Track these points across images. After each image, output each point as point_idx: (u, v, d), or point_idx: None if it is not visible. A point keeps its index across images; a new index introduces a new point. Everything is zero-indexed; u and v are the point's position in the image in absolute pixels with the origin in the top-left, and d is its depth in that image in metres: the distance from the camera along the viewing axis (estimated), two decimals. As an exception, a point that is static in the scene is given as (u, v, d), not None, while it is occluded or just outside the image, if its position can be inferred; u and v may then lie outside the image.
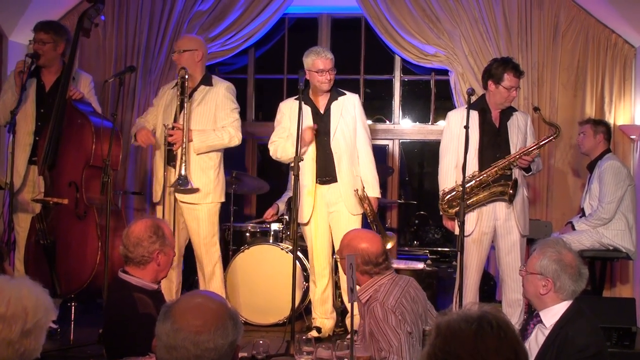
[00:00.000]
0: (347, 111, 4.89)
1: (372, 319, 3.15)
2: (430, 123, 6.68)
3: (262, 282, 5.22)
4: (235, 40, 6.36)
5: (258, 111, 6.89)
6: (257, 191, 6.25)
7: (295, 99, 4.89)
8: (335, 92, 4.94)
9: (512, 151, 4.65)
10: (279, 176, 6.63)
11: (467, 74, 6.06)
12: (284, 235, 5.49)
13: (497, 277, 5.91)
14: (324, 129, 4.86)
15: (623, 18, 5.72)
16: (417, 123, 6.77)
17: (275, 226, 5.55)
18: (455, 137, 4.68)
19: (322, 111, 4.91)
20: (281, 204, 5.94)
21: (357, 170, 4.89)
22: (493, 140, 4.70)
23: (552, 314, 2.87)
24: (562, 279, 2.85)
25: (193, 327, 1.80)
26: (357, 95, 5.04)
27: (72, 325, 4.56)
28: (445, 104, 6.70)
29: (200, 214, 4.82)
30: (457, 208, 4.63)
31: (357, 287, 3.26)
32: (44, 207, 4.72)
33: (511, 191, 4.55)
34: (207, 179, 4.81)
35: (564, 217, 5.85)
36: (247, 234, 5.61)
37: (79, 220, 4.68)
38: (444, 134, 4.88)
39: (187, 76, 4.73)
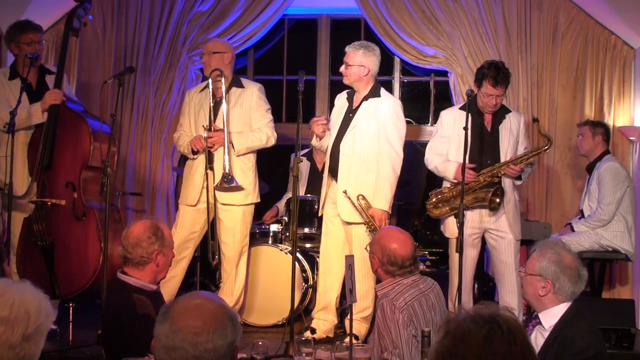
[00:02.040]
0: (374, 114, 4.65)
1: (380, 315, 3.15)
2: (429, 124, 6.68)
3: (261, 283, 5.21)
4: (234, 42, 6.35)
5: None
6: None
7: (347, 92, 4.88)
8: (372, 92, 4.73)
9: (502, 157, 4.66)
10: (278, 177, 6.62)
11: (466, 75, 6.06)
12: (283, 236, 5.49)
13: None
14: (345, 127, 4.73)
15: (622, 20, 5.72)
16: (417, 124, 6.76)
17: (274, 227, 5.55)
18: (446, 136, 4.69)
19: (353, 108, 4.77)
20: (280, 206, 5.94)
21: (370, 177, 4.62)
22: (484, 145, 4.70)
23: (551, 316, 2.87)
24: (561, 281, 2.85)
25: (192, 328, 1.80)
26: (391, 99, 4.77)
27: (71, 326, 4.56)
28: (444, 105, 6.68)
29: (237, 215, 4.86)
30: (442, 209, 4.67)
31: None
32: (37, 208, 4.71)
33: (497, 200, 4.56)
34: (247, 180, 4.86)
35: (563, 218, 5.85)
36: (246, 235, 5.60)
37: (78, 221, 4.68)
38: (434, 131, 4.89)
39: (222, 78, 4.76)
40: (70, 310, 4.59)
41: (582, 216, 5.36)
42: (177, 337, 1.80)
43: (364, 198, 4.58)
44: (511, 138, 4.72)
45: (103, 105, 6.18)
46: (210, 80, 4.81)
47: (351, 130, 4.68)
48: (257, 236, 5.61)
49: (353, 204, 4.58)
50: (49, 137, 4.75)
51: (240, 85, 4.93)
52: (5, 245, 4.74)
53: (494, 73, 4.57)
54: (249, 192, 4.87)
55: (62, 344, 4.47)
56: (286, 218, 5.42)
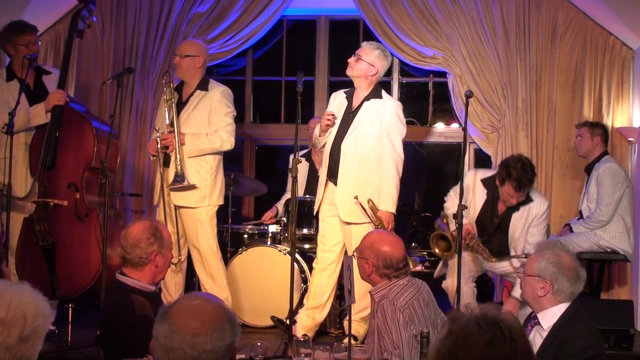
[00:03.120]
0: (376, 115, 4.62)
1: (380, 316, 3.16)
2: (428, 125, 6.68)
3: (260, 283, 5.21)
4: (233, 42, 6.36)
5: (256, 113, 6.89)
6: (255, 193, 6.25)
7: (344, 91, 4.85)
8: (373, 93, 4.71)
9: (510, 243, 4.57)
10: (277, 178, 6.63)
11: (465, 76, 6.07)
12: (282, 237, 5.48)
13: (495, 279, 5.91)
14: (346, 127, 4.71)
15: (621, 20, 5.73)
16: (416, 125, 6.76)
17: (273, 228, 5.55)
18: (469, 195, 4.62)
19: (353, 108, 4.73)
20: (280, 206, 5.94)
21: (372, 179, 4.63)
22: (491, 226, 4.63)
23: (550, 316, 2.88)
24: (559, 281, 2.85)
25: (190, 329, 1.80)
26: (393, 102, 4.76)
27: (70, 327, 4.55)
28: (443, 106, 6.70)
29: (197, 216, 4.83)
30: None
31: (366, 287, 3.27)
32: (38, 209, 4.71)
33: (435, 247, 4.60)
34: (204, 182, 4.82)
35: (561, 219, 5.86)
36: (245, 236, 5.60)
37: (80, 222, 4.68)
38: (459, 185, 4.78)
39: (171, 82, 4.82)
40: (69, 311, 4.58)
41: (581, 217, 5.36)
42: (175, 338, 1.80)
43: (371, 201, 4.58)
44: (522, 232, 4.58)
45: (102, 106, 6.17)
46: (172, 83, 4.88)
47: (353, 130, 4.65)
48: (256, 237, 5.61)
49: (364, 208, 4.56)
50: (52, 138, 4.75)
51: (205, 89, 4.90)
52: (3, 247, 4.74)
53: (519, 175, 4.38)
54: (205, 194, 4.82)
55: (60, 345, 4.47)
56: (285, 219, 5.42)
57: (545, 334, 2.85)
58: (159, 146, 4.74)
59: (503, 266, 4.61)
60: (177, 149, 4.71)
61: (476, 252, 4.53)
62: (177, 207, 4.85)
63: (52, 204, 4.67)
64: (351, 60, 4.69)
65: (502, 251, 4.57)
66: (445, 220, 4.78)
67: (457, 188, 4.65)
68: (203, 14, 6.31)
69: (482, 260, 4.65)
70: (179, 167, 4.70)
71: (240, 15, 6.30)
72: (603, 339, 3.45)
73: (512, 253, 4.60)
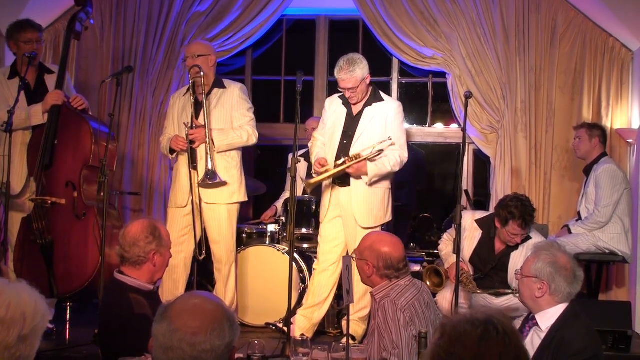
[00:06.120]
0: (378, 119, 4.70)
1: (381, 315, 3.16)
2: (427, 125, 6.69)
3: (258, 283, 5.22)
4: (233, 42, 6.37)
5: (255, 112, 6.87)
6: (255, 192, 6.24)
7: (339, 96, 4.87)
8: (372, 97, 4.76)
9: (510, 282, 4.48)
10: (276, 178, 6.63)
11: (464, 76, 6.07)
12: (280, 236, 5.49)
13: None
14: (350, 134, 4.75)
15: (621, 22, 5.73)
16: (415, 125, 6.77)
17: (272, 227, 5.55)
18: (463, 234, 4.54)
19: (354, 114, 4.78)
20: (279, 206, 5.94)
21: (382, 180, 4.70)
22: (484, 267, 4.59)
23: (548, 317, 2.88)
24: (557, 282, 2.86)
25: (189, 328, 1.80)
26: (396, 103, 4.84)
27: (68, 326, 4.56)
28: (442, 107, 6.71)
29: (221, 213, 4.85)
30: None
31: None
32: (36, 207, 4.71)
33: (427, 281, 4.51)
34: (232, 178, 4.84)
35: (560, 220, 5.86)
36: (244, 235, 5.60)
37: (78, 220, 4.69)
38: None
39: (202, 73, 4.74)
40: (67, 310, 4.59)
41: (580, 218, 5.36)
42: (175, 337, 1.80)
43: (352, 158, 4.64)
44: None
45: (101, 105, 6.18)
46: (191, 82, 4.81)
47: (359, 137, 4.70)
48: (255, 236, 5.61)
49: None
50: (50, 137, 4.75)
51: (222, 86, 4.92)
52: (2, 245, 4.75)
53: (523, 212, 4.36)
54: (234, 190, 4.86)
55: (59, 343, 4.47)
56: (284, 218, 5.42)
57: (543, 335, 2.86)
58: (188, 142, 4.71)
59: (502, 300, 4.59)
60: (208, 146, 4.70)
61: (464, 285, 4.49)
62: (201, 205, 4.84)
63: (49, 202, 4.68)
64: (350, 94, 4.68)
65: (504, 289, 4.55)
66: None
67: (451, 231, 4.64)
68: (202, 13, 6.31)
69: (473, 294, 4.61)
70: (210, 165, 4.69)
71: (240, 14, 6.30)
72: (601, 340, 3.45)
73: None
